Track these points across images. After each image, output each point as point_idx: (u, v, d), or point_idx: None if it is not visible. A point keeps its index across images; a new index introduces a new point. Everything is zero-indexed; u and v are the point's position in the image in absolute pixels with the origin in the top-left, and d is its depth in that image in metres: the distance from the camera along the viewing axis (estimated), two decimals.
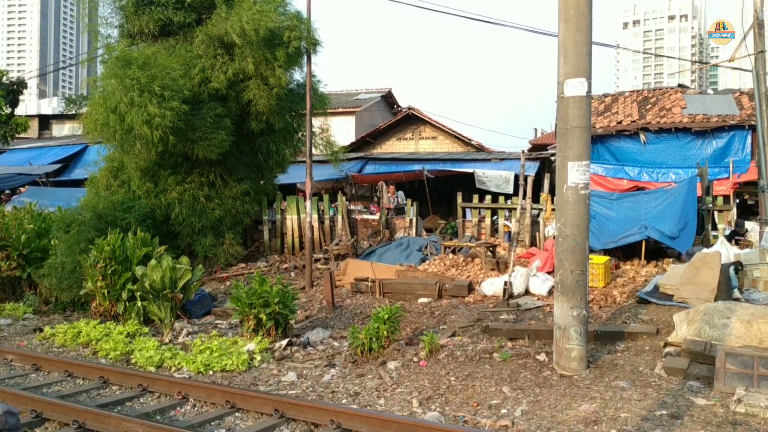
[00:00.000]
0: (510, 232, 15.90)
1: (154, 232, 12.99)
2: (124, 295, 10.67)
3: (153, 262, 10.34)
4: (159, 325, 10.37)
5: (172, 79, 13.16)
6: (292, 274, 15.33)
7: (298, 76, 16.54)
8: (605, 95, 22.67)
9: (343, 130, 26.31)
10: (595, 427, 5.72)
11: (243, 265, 16.00)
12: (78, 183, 20.82)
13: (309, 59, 14.35)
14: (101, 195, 14.54)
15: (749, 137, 17.75)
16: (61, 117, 32.94)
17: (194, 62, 14.44)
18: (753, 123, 15.74)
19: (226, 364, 8.18)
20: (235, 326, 10.51)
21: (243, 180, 15.71)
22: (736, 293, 10.24)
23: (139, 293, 10.43)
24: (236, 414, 6.48)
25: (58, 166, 24.25)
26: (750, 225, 14.55)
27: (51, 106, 36.72)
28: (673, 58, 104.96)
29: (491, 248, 14.64)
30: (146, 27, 15.30)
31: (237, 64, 14.47)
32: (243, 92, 14.70)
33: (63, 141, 28.07)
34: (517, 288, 11.49)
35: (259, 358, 8.46)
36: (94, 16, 15.99)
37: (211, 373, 8.10)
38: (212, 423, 6.25)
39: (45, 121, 33.38)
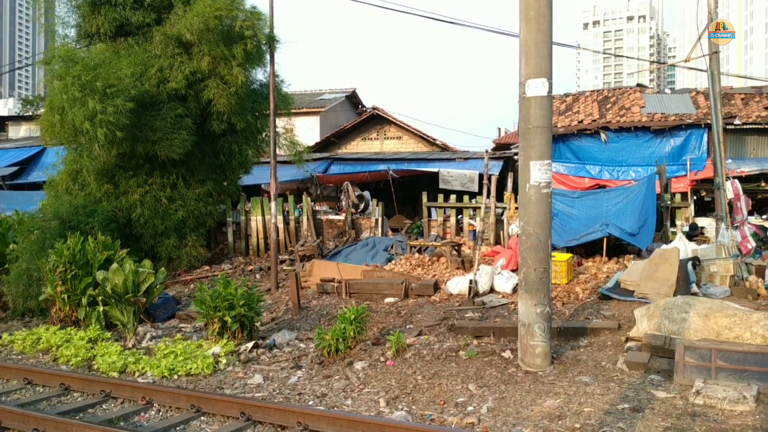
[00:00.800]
0: (475, 230, 16.06)
1: (117, 236, 12.77)
2: (84, 300, 10.45)
3: (115, 265, 10.15)
4: (122, 329, 10.18)
5: (117, 78, 12.88)
6: (257, 275, 15.22)
7: (261, 76, 16.43)
8: (566, 95, 23.03)
9: (307, 131, 26.17)
10: (560, 422, 5.80)
11: (207, 267, 15.83)
12: (36, 186, 20.34)
13: (272, 58, 14.27)
14: (63, 199, 14.25)
15: (705, 136, 18.22)
16: (17, 118, 32.06)
17: (152, 62, 14.23)
18: (709, 122, 16.16)
19: (191, 368, 8.08)
20: (200, 329, 10.38)
21: (205, 181, 15.53)
22: (694, 288, 10.52)
23: (100, 298, 10.23)
24: (202, 418, 6.41)
25: (14, 168, 23.63)
26: (706, 221, 14.93)
27: (7, 107, 35.73)
28: (632, 58, 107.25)
29: (456, 247, 14.75)
30: (103, 27, 15.01)
31: (195, 63, 14.31)
32: (202, 92, 14.53)
33: (20, 143, 27.37)
34: (483, 286, 11.60)
35: (224, 361, 8.38)
36: (51, 16, 15.64)
37: (175, 377, 7.99)
38: (177, 428, 6.17)
39: (1, 122, 32.50)
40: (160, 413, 6.64)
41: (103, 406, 6.90)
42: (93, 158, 14.45)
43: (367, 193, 19.49)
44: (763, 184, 18.23)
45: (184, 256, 15.01)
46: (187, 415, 6.42)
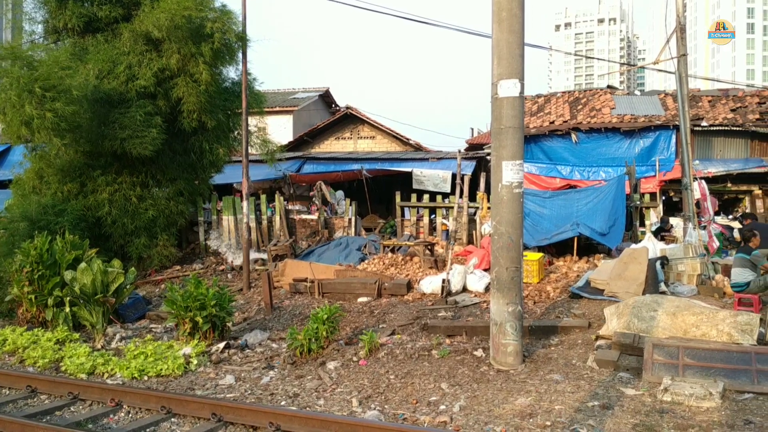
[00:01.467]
0: (448, 230, 16.13)
1: (86, 235, 12.57)
2: (51, 301, 10.26)
3: (83, 265, 9.99)
4: (90, 330, 10.03)
5: (59, 78, 12.45)
6: (229, 275, 15.11)
7: (233, 74, 16.31)
8: (538, 96, 23.24)
9: (280, 130, 26.04)
10: (531, 420, 5.86)
11: (178, 267, 15.67)
12: (1, 185, 19.92)
13: (244, 56, 14.15)
14: (31, 198, 13.97)
15: (674, 137, 18.54)
16: None
17: (120, 59, 14.04)
18: (677, 123, 16.44)
19: (161, 369, 7.98)
20: (171, 330, 10.27)
21: (176, 180, 15.37)
22: (663, 287, 10.69)
23: (68, 298, 10.06)
24: (172, 419, 6.34)
25: None
26: (674, 221, 15.19)
27: None
28: (603, 60, 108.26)
29: (429, 247, 14.80)
30: (70, 22, 14.78)
31: (164, 61, 14.15)
32: (172, 90, 14.37)
33: None
34: (455, 285, 11.66)
35: (195, 361, 8.30)
36: (18, 12, 15.35)
37: (146, 378, 7.89)
38: (147, 429, 6.09)
39: None
40: (130, 415, 6.55)
41: (71, 409, 6.79)
42: (54, 157, 14.20)
43: (340, 193, 19.45)
44: (729, 184, 18.62)
45: (155, 255, 14.83)
46: (157, 416, 6.35)
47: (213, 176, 17.27)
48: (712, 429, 5.49)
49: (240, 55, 14.57)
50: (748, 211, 18.37)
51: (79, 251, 10.92)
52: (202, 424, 6.15)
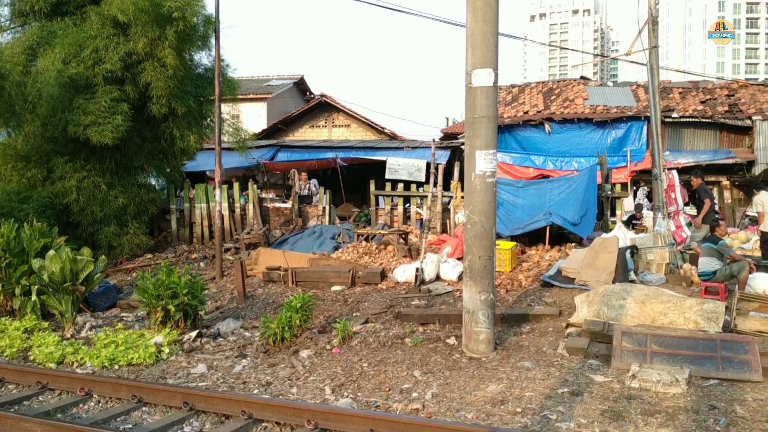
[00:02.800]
0: (422, 219, 16.17)
1: (54, 223, 12.37)
2: (18, 290, 10.08)
3: (51, 253, 9.81)
4: (60, 319, 9.89)
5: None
6: (202, 264, 14.99)
7: (206, 60, 16.11)
8: (513, 86, 23.36)
9: (254, 117, 25.82)
10: (502, 407, 5.92)
11: (150, 255, 15.51)
12: None
13: (217, 41, 13.95)
14: None
15: (645, 128, 18.79)
16: None
17: (87, 43, 13.77)
18: (648, 114, 16.64)
19: (132, 358, 7.91)
20: (142, 319, 10.18)
21: (147, 167, 15.17)
22: (632, 275, 10.86)
23: (35, 287, 9.89)
24: (143, 408, 6.28)
25: None
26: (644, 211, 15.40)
27: None
28: (577, 51, 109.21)
29: (403, 235, 14.83)
30: (37, 4, 14.46)
31: (131, 45, 13.91)
32: (140, 75, 14.14)
33: None
34: (429, 274, 11.71)
35: (167, 350, 8.23)
36: None
37: (116, 367, 7.81)
38: (118, 419, 6.04)
39: None
40: (100, 404, 6.48)
41: (40, 398, 6.69)
42: (22, 144, 13.93)
43: (314, 181, 19.39)
44: None
45: (125, 243, 14.64)
46: (128, 405, 6.29)
47: (185, 164, 17.08)
48: (678, 414, 5.60)
49: (212, 40, 14.38)
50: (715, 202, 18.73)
51: (47, 239, 10.73)
52: (173, 412, 6.11)
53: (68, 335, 9.35)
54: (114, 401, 6.50)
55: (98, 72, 13.70)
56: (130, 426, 5.89)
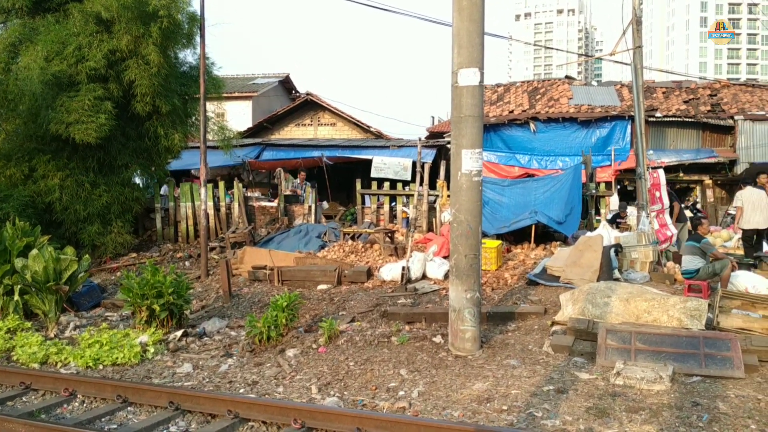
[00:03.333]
0: (408, 218, 16.20)
1: (35, 222, 12.24)
2: (0, 290, 9.96)
3: (34, 252, 9.73)
4: (43, 319, 9.80)
5: None
6: (187, 263, 14.91)
7: (191, 58, 16.01)
8: (498, 85, 23.44)
9: (239, 115, 25.71)
10: (488, 405, 5.95)
11: (134, 254, 15.40)
12: None
13: (203, 39, 13.85)
14: None
15: (629, 127, 18.90)
16: None
17: (71, 40, 13.64)
18: (632, 114, 16.76)
19: (117, 358, 7.85)
20: (127, 318, 10.11)
21: (131, 165, 15.04)
22: (617, 273, 10.95)
23: (18, 286, 9.78)
24: (129, 408, 6.25)
25: None
26: (629, 210, 15.51)
27: None
28: (561, 50, 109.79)
29: (390, 234, 14.84)
30: (18, 2, 14.29)
31: (115, 42, 13.79)
32: (124, 72, 14.01)
33: None
34: (415, 273, 11.73)
35: (152, 350, 8.18)
36: None
37: (101, 367, 7.76)
38: (103, 419, 6.00)
39: None
40: (85, 404, 6.43)
41: (23, 399, 6.63)
42: (3, 142, 13.78)
43: (297, 182, 19.33)
44: (681, 174, 19.12)
45: (109, 242, 14.51)
46: (113, 405, 6.25)
47: (170, 162, 16.97)
48: (662, 411, 5.66)
49: (198, 38, 14.30)
50: (697, 200, 18.93)
51: (30, 238, 10.63)
52: (159, 412, 6.07)
53: (52, 335, 9.27)
54: (99, 401, 6.45)
55: (82, 70, 13.56)
56: (115, 426, 5.85)
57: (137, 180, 15.50)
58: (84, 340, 8.35)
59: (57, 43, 13.55)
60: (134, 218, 16.04)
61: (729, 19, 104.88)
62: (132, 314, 9.37)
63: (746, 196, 12.52)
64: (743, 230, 12.55)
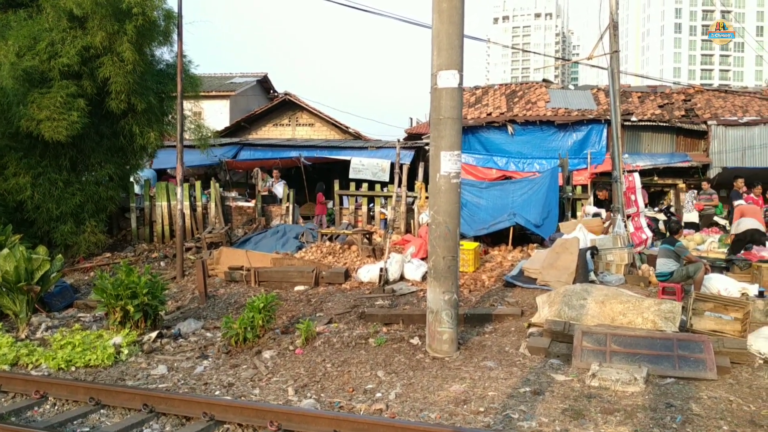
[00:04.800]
0: (386, 219, 16.19)
1: (6, 221, 12.01)
2: None
3: (5, 251, 9.55)
4: (14, 320, 9.62)
5: None
6: (162, 263, 14.74)
7: (168, 56, 15.82)
8: (476, 87, 23.53)
9: (216, 115, 25.52)
10: (465, 406, 5.96)
11: (108, 254, 15.19)
12: None
13: (180, 37, 13.69)
14: None
15: (605, 131, 19.11)
16: None
17: (43, 36, 13.41)
18: (608, 117, 16.94)
19: (90, 359, 7.74)
20: (100, 319, 9.96)
21: (105, 164, 14.82)
22: (592, 276, 11.04)
23: None
24: (101, 411, 6.15)
25: None
26: (602, 212, 15.64)
27: None
28: (539, 54, 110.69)
29: (368, 235, 14.82)
30: None
31: (89, 39, 13.58)
32: (98, 69, 13.79)
33: None
34: (393, 274, 11.72)
35: (126, 351, 8.07)
36: None
37: (73, 369, 7.63)
38: (74, 422, 5.89)
39: None
40: (56, 407, 6.32)
41: None
42: None
43: (271, 181, 19.23)
44: (655, 178, 19.35)
45: (83, 242, 14.27)
46: (85, 408, 6.15)
47: (151, 162, 16.77)
48: (637, 412, 5.71)
49: (175, 36, 14.15)
50: (671, 204, 19.18)
51: (1, 237, 10.45)
52: (132, 415, 5.99)
53: (23, 336, 9.11)
54: (71, 404, 6.35)
55: (54, 66, 13.33)
56: (87, 429, 5.76)
57: (112, 179, 15.25)
58: (56, 341, 8.21)
59: (29, 39, 13.32)
60: (109, 218, 15.83)
61: (702, 26, 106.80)
62: (106, 315, 9.23)
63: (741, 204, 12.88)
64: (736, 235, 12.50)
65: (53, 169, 14.01)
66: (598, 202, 17.81)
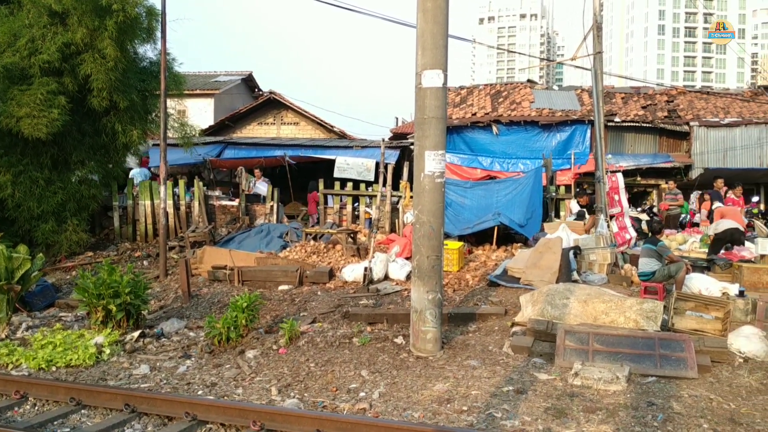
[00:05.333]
0: (371, 218, 16.18)
1: None
2: None
3: None
4: None
5: None
6: (145, 262, 14.63)
7: (151, 53, 15.70)
8: (461, 87, 23.58)
9: (200, 113, 25.34)
10: (448, 405, 5.97)
11: (91, 253, 15.05)
12: None
13: (164, 34, 13.59)
14: None
15: (588, 131, 19.21)
16: None
17: (23, 32, 13.25)
18: (592, 118, 17.05)
19: (71, 359, 7.66)
20: (82, 318, 9.87)
21: (87, 162, 14.67)
22: (575, 275, 11.12)
23: None
24: (83, 411, 6.09)
25: None
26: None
27: None
28: (524, 54, 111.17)
29: (352, 235, 14.81)
30: None
31: (70, 35, 13.44)
32: (79, 66, 13.65)
33: None
34: (377, 273, 11.71)
35: (108, 351, 8.01)
36: None
37: (54, 369, 7.55)
38: (55, 422, 5.83)
39: None
40: (36, 407, 6.25)
41: None
42: None
43: (265, 181, 19.15)
44: (638, 178, 19.52)
45: (64, 241, 14.13)
46: (66, 408, 6.09)
47: (137, 161, 16.63)
48: (618, 411, 5.76)
49: (158, 33, 14.03)
50: (654, 204, 19.34)
51: None
52: (114, 415, 5.94)
53: (3, 336, 9.00)
54: (51, 404, 6.28)
55: (35, 62, 13.17)
56: (68, 429, 5.70)
57: (94, 177, 15.10)
58: (37, 341, 8.13)
59: (8, 35, 13.16)
60: (91, 216, 15.69)
61: (686, 28, 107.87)
62: (87, 314, 9.15)
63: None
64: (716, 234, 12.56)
65: (34, 167, 13.86)
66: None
